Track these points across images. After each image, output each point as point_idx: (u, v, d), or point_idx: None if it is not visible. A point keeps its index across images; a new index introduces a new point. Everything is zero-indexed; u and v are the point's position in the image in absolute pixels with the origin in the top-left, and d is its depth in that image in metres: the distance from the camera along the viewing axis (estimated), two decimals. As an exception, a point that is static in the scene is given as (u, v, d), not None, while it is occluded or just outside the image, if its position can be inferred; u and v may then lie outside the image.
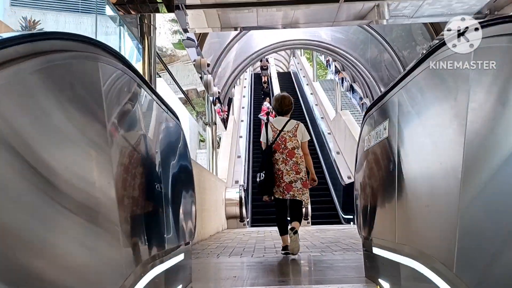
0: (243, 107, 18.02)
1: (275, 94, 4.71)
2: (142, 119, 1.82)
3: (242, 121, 16.43)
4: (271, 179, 3.78)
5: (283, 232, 3.83)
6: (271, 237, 5.97)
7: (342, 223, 10.66)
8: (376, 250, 2.21)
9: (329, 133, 14.53)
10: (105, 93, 1.35)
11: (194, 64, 5.74)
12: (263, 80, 23.13)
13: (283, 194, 3.80)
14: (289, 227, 3.76)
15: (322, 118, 16.11)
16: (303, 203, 3.90)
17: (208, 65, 5.87)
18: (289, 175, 3.78)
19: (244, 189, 10.20)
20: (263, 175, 3.79)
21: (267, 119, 16.47)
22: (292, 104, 4.06)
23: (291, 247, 3.64)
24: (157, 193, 1.95)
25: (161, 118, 2.21)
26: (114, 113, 1.44)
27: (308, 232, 6.96)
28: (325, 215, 10.95)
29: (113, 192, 1.30)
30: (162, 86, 5.63)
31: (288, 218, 4.02)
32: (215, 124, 8.84)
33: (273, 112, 17.05)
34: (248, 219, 10.17)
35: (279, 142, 3.85)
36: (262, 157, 3.97)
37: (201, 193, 5.92)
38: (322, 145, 14.62)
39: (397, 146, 1.94)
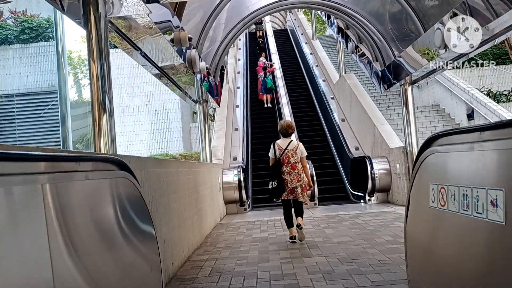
0: (238, 72, 16.77)
1: (280, 121, 5.67)
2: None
3: (238, 88, 15.26)
4: (282, 186, 4.94)
5: (290, 225, 5.01)
6: (276, 241, 5.09)
7: (351, 199, 9.83)
8: None
9: (332, 98, 13.43)
10: None
11: (172, 39, 4.61)
12: (258, 35, 22.08)
13: (287, 195, 4.97)
14: (296, 223, 4.91)
15: (324, 80, 14.94)
16: (303, 202, 5.04)
17: (190, 39, 4.74)
18: (292, 183, 4.93)
19: (243, 168, 9.29)
20: (276, 183, 4.95)
21: (264, 74, 15.55)
22: (294, 128, 5.27)
23: (299, 236, 4.89)
24: None
25: (69, 184, 1.21)
26: None
27: (316, 225, 6.10)
28: (333, 190, 10.10)
29: None
30: (132, 66, 4.57)
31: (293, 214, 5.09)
32: (206, 101, 7.75)
33: (271, 67, 16.22)
34: (249, 201, 9.32)
35: (284, 158, 4.97)
36: (272, 169, 5.06)
37: (190, 196, 4.98)
38: (325, 112, 13.56)
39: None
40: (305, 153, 5.05)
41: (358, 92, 10.95)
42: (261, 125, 14.36)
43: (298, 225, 4.89)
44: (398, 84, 7.90)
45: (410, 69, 7.19)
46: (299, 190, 4.90)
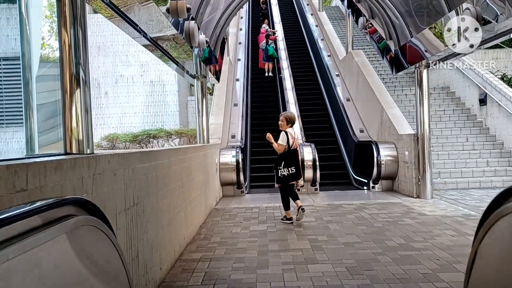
0: (239, 43, 15.98)
1: (286, 111, 6.81)
2: None
3: (239, 60, 14.54)
4: (300, 172, 5.47)
5: (287, 208, 5.46)
6: (277, 237, 4.66)
7: (353, 185, 9.43)
8: None
9: (337, 75, 12.80)
10: None
11: (168, 9, 4.01)
12: (261, 0, 21.29)
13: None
14: (300, 205, 5.36)
15: (329, 56, 14.24)
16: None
17: (189, 9, 4.14)
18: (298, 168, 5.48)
19: (241, 148, 8.82)
20: (294, 169, 5.33)
21: (267, 42, 15.15)
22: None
23: (299, 217, 5.33)
24: None
25: None
26: None
27: (319, 218, 5.68)
28: (335, 175, 9.67)
29: None
30: (123, 38, 3.99)
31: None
32: (205, 77, 7.15)
33: (273, 35, 15.61)
34: (246, 183, 8.89)
35: (295, 145, 5.42)
36: (287, 156, 5.35)
37: (184, 186, 4.50)
38: (329, 89, 12.97)
39: None
40: None
41: (366, 71, 10.34)
42: (262, 94, 13.99)
43: (303, 209, 5.39)
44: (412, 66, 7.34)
45: (427, 54, 6.62)
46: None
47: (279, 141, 5.35)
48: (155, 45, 5.00)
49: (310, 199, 7.44)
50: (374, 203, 6.74)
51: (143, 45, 5.17)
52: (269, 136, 5.45)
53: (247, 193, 8.56)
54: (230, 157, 8.06)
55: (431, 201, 6.78)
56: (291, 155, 5.33)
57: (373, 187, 8.17)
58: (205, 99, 7.23)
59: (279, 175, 5.34)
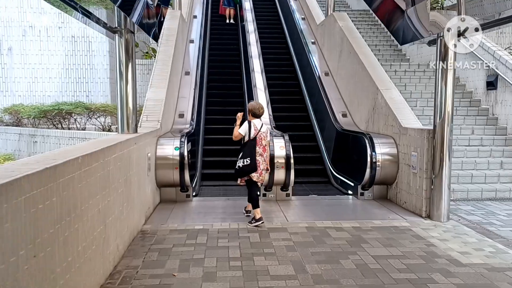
0: (197, -3, 13.32)
1: (251, 102, 5.32)
2: None
3: (195, 17, 11.95)
4: (255, 166, 4.84)
5: (257, 206, 4.88)
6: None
7: (332, 183, 7.47)
8: None
9: (313, 43, 10.60)
10: None
11: None
12: None
13: (258, 179, 4.90)
14: (253, 213, 4.91)
15: (303, 19, 11.96)
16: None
17: None
18: (263, 165, 4.93)
19: (190, 132, 6.57)
20: (249, 161, 4.82)
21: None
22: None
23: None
24: None
25: None
26: None
27: (298, 265, 3.60)
28: (310, 172, 7.65)
29: None
30: None
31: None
32: (132, 32, 4.72)
33: None
34: (195, 181, 6.68)
35: (258, 139, 4.89)
36: (245, 147, 4.89)
37: (66, 233, 2.22)
38: (302, 60, 10.79)
39: None
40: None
41: (354, 39, 8.17)
42: (222, 47, 12.16)
43: (250, 211, 5.08)
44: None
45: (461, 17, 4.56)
46: (265, 172, 5.02)
47: (239, 129, 4.90)
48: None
49: (280, 212, 5.38)
50: (372, 228, 4.74)
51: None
52: (239, 116, 5.02)
53: (195, 196, 6.38)
54: (171, 149, 5.78)
55: (450, 225, 4.88)
56: (249, 146, 4.89)
57: (362, 194, 6.20)
58: (132, 66, 4.84)
59: (236, 166, 4.90)
